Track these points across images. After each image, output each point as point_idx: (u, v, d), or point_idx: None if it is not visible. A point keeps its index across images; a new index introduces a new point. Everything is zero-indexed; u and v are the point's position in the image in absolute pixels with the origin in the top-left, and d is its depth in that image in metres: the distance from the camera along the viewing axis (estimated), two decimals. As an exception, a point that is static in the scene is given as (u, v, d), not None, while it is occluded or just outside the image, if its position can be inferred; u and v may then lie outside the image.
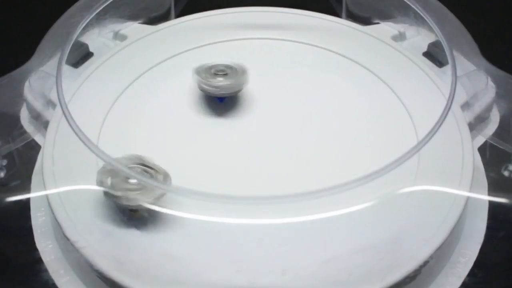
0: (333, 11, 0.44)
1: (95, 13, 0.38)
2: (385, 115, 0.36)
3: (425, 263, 0.30)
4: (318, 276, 0.29)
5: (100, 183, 0.30)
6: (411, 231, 0.30)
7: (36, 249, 0.32)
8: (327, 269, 0.29)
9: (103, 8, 0.39)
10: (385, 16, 0.42)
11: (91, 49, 0.41)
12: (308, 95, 0.38)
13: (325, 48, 0.40)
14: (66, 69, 0.39)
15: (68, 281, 0.31)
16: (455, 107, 0.35)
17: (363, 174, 0.29)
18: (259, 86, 0.37)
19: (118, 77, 0.38)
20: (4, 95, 0.38)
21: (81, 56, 0.40)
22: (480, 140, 0.36)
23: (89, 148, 0.30)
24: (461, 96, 0.37)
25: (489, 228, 0.33)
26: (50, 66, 0.38)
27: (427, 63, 0.39)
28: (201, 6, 0.43)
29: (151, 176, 0.30)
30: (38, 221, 0.34)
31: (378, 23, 0.43)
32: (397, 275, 0.29)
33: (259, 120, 0.36)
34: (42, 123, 0.36)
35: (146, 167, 0.31)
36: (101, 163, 0.31)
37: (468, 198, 0.32)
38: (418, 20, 0.40)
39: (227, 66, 0.36)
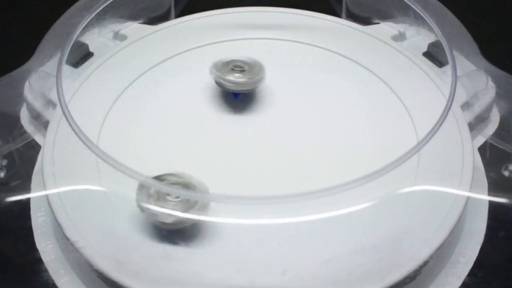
0: (333, 11, 0.44)
1: (95, 13, 0.38)
2: (385, 115, 0.36)
3: (425, 263, 0.29)
4: (318, 276, 0.29)
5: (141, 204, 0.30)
6: (411, 231, 0.30)
7: (36, 249, 0.32)
8: (327, 269, 0.29)
9: (103, 8, 0.39)
10: (385, 16, 0.42)
11: (91, 49, 0.41)
12: (308, 95, 0.38)
13: (325, 48, 0.40)
14: (66, 69, 0.39)
15: (68, 281, 0.31)
16: (455, 107, 0.35)
17: (363, 174, 0.29)
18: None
19: (118, 77, 0.38)
20: (4, 95, 0.38)
21: (81, 56, 0.40)
22: (480, 140, 0.36)
23: (89, 148, 0.30)
24: (461, 96, 0.36)
25: (489, 228, 0.33)
26: (50, 66, 0.38)
27: (427, 63, 0.39)
28: (201, 6, 0.43)
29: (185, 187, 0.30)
30: (38, 221, 0.34)
31: (378, 23, 0.43)
32: (397, 275, 0.29)
33: (258, 120, 0.36)
34: (42, 123, 0.36)
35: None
36: (101, 163, 0.31)
37: (468, 198, 0.32)
38: (418, 20, 0.40)
39: (245, 62, 0.36)
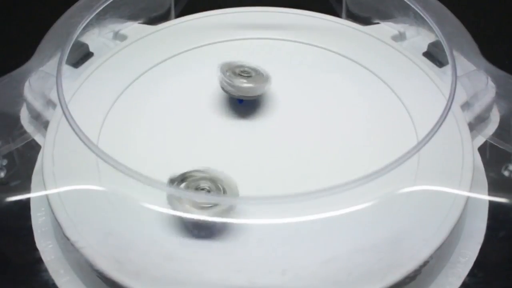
0: (333, 11, 0.44)
1: (95, 13, 0.38)
2: (385, 115, 0.36)
3: (425, 263, 0.30)
4: (318, 276, 0.29)
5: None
6: (411, 231, 0.30)
7: (36, 249, 0.33)
8: (327, 269, 0.29)
9: (103, 8, 0.39)
10: (385, 16, 0.42)
11: (91, 49, 0.41)
12: (308, 95, 0.38)
13: (325, 48, 0.40)
14: (66, 69, 0.39)
15: (68, 281, 0.31)
16: (455, 107, 0.35)
17: (363, 174, 0.29)
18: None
19: (118, 77, 0.38)
20: (4, 95, 0.38)
21: (81, 56, 0.40)
22: (480, 140, 0.36)
23: (89, 148, 0.30)
24: (461, 96, 0.36)
25: (489, 228, 0.33)
26: (50, 66, 0.38)
27: (427, 63, 0.39)
28: (201, 6, 0.43)
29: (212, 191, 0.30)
30: (38, 221, 0.34)
31: (378, 23, 0.43)
32: (397, 275, 0.29)
33: (257, 119, 0.36)
34: (42, 123, 0.36)
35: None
36: (101, 163, 0.31)
37: (468, 198, 0.32)
38: (418, 20, 0.40)
39: (253, 69, 0.36)
